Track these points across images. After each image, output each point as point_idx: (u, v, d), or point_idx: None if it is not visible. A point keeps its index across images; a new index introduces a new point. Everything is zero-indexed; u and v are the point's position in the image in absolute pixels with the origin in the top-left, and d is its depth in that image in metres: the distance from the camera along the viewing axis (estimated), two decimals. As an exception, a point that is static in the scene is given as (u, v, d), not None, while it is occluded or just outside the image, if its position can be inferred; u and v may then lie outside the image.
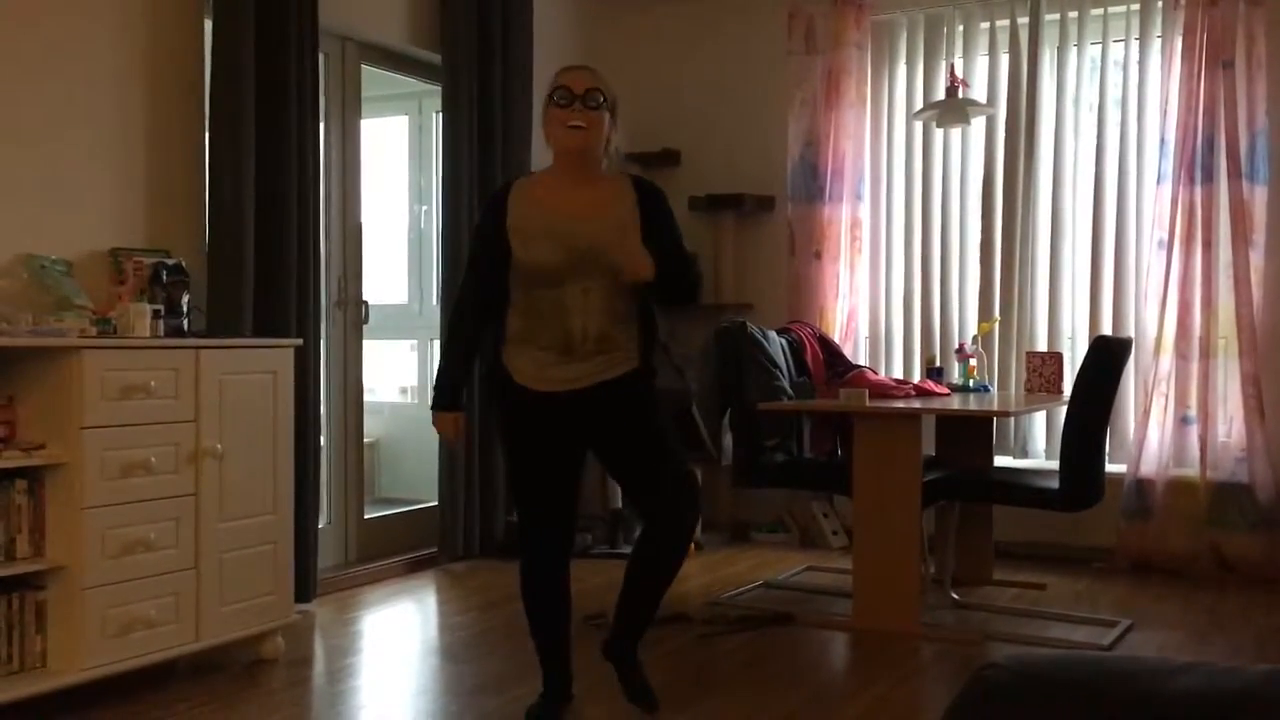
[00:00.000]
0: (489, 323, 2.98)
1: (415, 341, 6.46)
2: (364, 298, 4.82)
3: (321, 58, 4.43)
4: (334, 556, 4.68)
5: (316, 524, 4.30)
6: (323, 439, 4.50)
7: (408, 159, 6.17)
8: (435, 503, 5.03)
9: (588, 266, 2.86)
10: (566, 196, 2.92)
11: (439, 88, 4.98)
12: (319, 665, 3.65)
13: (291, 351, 3.68)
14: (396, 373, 6.77)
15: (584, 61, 5.98)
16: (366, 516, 4.90)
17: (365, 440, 4.95)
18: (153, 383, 3.20)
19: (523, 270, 2.87)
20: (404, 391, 6.79)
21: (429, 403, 3.11)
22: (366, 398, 4.95)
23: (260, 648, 3.58)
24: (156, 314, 3.39)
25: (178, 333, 3.48)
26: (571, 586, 3.10)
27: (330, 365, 4.66)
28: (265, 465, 3.56)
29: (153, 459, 3.20)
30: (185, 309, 3.55)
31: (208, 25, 3.93)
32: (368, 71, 4.92)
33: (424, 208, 6.03)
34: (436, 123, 5.27)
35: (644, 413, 3.01)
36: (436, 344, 5.10)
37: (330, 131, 4.65)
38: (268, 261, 4.03)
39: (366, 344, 4.88)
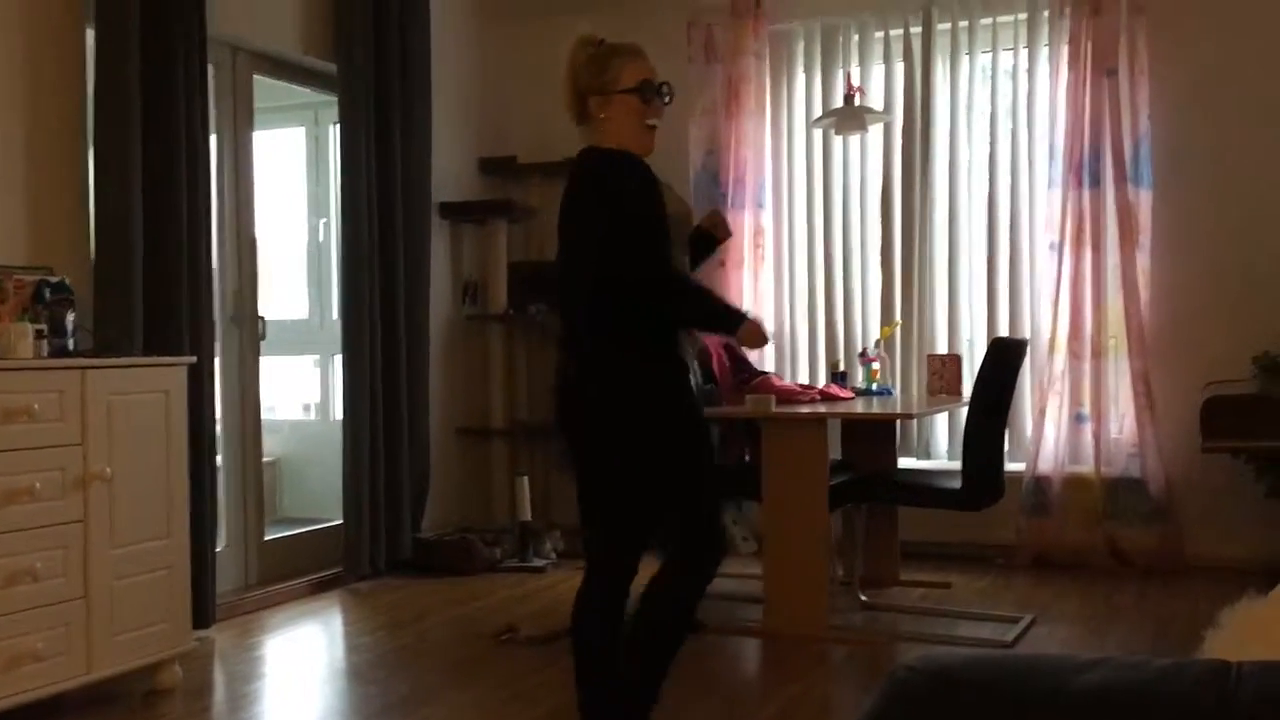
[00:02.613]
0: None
1: (317, 357, 6.33)
2: (261, 313, 4.70)
3: (211, 68, 4.31)
4: (233, 580, 4.55)
5: (214, 547, 4.17)
6: (220, 459, 4.37)
7: (305, 171, 6.05)
8: (339, 521, 4.92)
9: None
10: None
11: (335, 98, 4.89)
12: (219, 693, 3.54)
13: (184, 370, 3.56)
14: (298, 389, 6.62)
15: (482, 69, 5.97)
16: (267, 537, 4.77)
17: (265, 459, 4.83)
18: (36, 405, 3.07)
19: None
20: (306, 408, 6.65)
21: (726, 326, 2.78)
22: (266, 415, 4.83)
23: (157, 677, 3.46)
24: (39, 334, 3.25)
25: (62, 353, 3.34)
26: None
27: (226, 383, 4.53)
28: (158, 488, 3.44)
29: (37, 485, 3.07)
30: (70, 328, 3.41)
31: (90, 34, 3.80)
32: (261, 82, 4.80)
33: (322, 220, 5.92)
34: (333, 134, 5.18)
35: None
36: (339, 359, 5.00)
37: (222, 143, 4.53)
38: (157, 278, 3.90)
39: (265, 360, 4.76)
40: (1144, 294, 4.92)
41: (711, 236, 3.39)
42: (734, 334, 2.78)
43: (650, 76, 2.75)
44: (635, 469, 2.71)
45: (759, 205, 5.54)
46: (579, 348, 2.72)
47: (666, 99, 2.78)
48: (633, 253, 2.63)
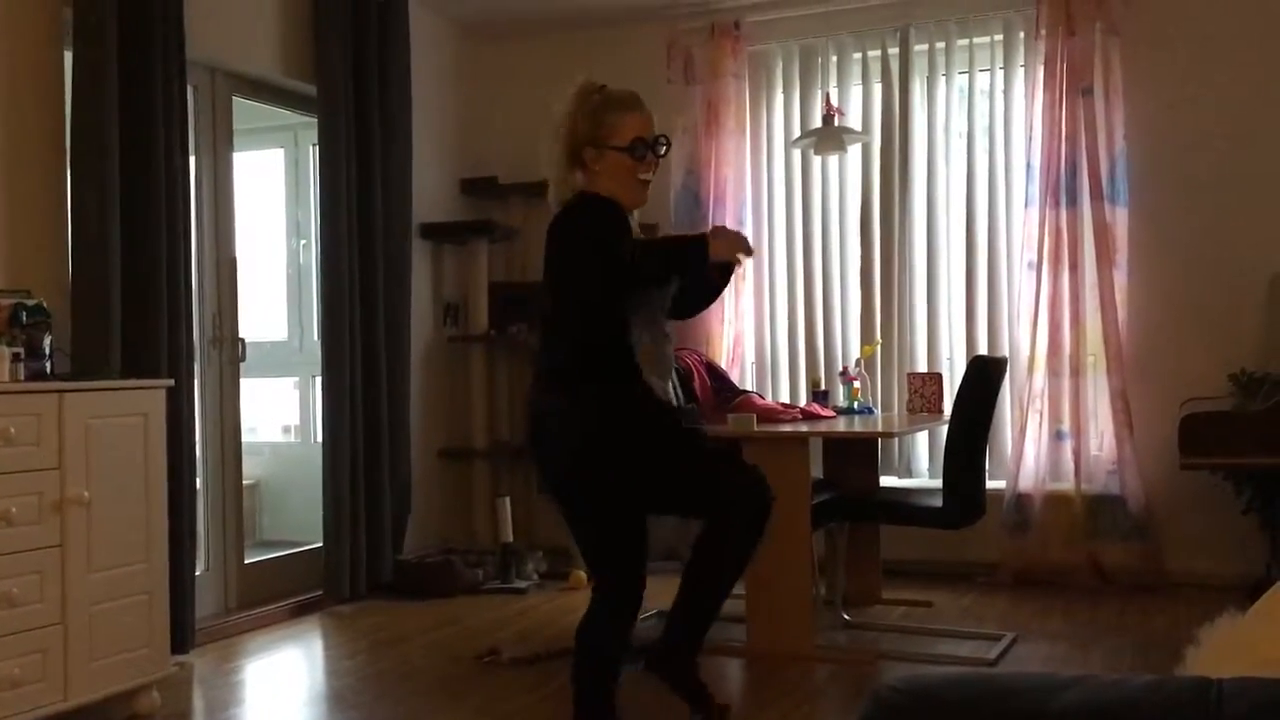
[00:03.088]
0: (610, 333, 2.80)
1: (297, 379, 6.31)
2: (240, 335, 4.68)
3: (190, 89, 4.30)
4: (213, 604, 4.51)
5: (193, 571, 4.14)
6: (199, 482, 4.34)
7: (284, 192, 6.04)
8: (320, 544, 4.89)
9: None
10: None
11: (315, 119, 4.89)
12: (198, 719, 3.50)
13: (163, 392, 3.54)
14: (278, 411, 6.59)
15: (463, 90, 5.98)
16: (247, 561, 4.74)
17: (245, 482, 4.80)
18: (13, 429, 3.04)
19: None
20: (287, 430, 6.61)
21: (691, 259, 2.76)
22: (246, 438, 4.80)
23: (135, 704, 3.42)
24: (16, 357, 3.23)
25: (40, 376, 3.32)
26: None
27: (206, 405, 4.50)
28: (137, 512, 3.41)
29: (13, 509, 3.04)
30: (48, 351, 3.39)
31: (68, 56, 3.79)
32: (241, 103, 4.80)
33: (302, 242, 5.91)
34: (313, 155, 5.18)
35: None
36: (319, 380, 4.98)
37: (201, 165, 4.52)
38: (136, 300, 3.88)
39: (245, 382, 4.74)
40: (1121, 312, 4.95)
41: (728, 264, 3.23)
42: (706, 258, 2.72)
43: (644, 134, 2.83)
44: (618, 486, 2.80)
45: (739, 225, 5.55)
46: (553, 378, 2.83)
47: (662, 152, 2.85)
48: (590, 270, 2.75)
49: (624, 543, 2.82)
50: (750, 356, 5.63)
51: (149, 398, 3.48)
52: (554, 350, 2.85)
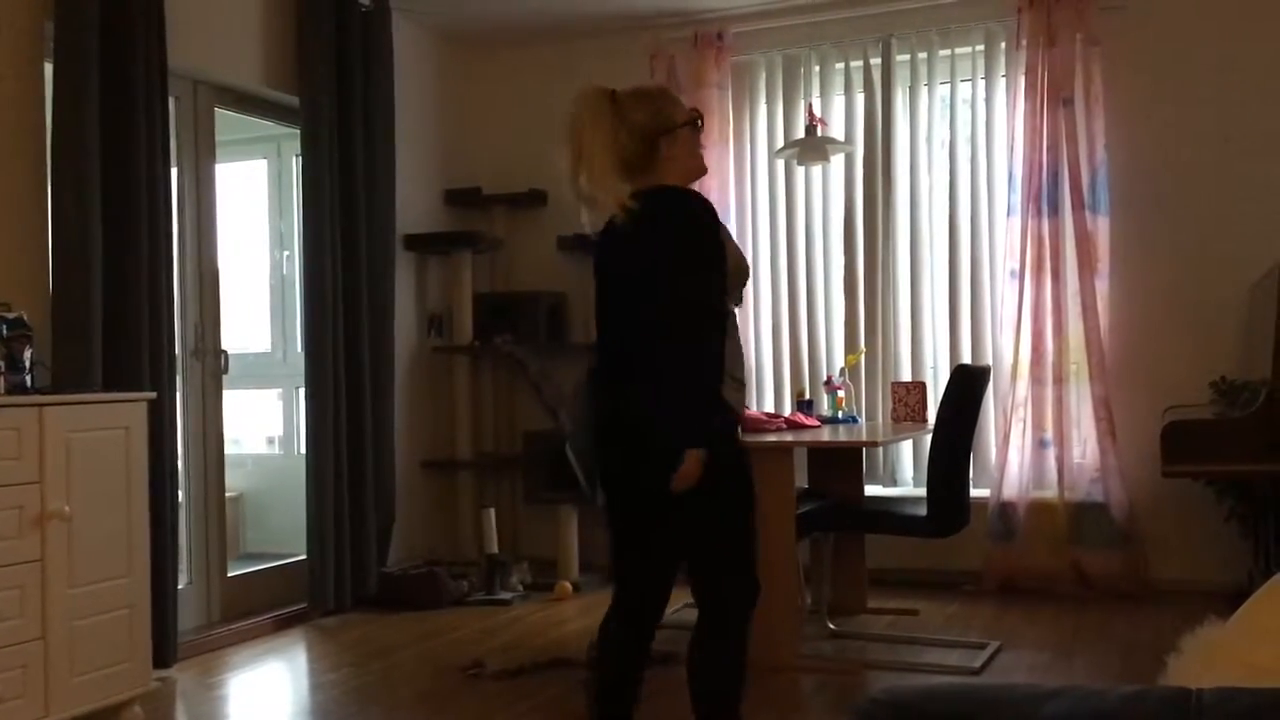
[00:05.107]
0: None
1: (280, 390, 6.28)
2: (223, 346, 4.66)
3: (172, 100, 4.29)
4: (196, 618, 4.49)
5: (176, 584, 4.11)
6: (181, 495, 4.32)
7: (267, 203, 6.03)
8: (303, 556, 4.87)
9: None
10: None
11: (298, 130, 4.88)
12: (181, 734, 3.48)
13: (144, 405, 3.52)
14: (261, 423, 6.56)
15: (446, 101, 5.98)
16: (231, 574, 4.71)
17: (228, 494, 4.78)
18: (-8, 443, 3.02)
19: (736, 289, 2.78)
20: (270, 442, 6.59)
21: (688, 434, 2.55)
22: (229, 450, 4.78)
23: (117, 719, 3.39)
24: (-4, 370, 3.20)
25: (20, 390, 3.29)
26: None
27: (188, 417, 4.48)
28: (119, 525, 3.39)
29: (-6, 524, 3.02)
30: (28, 364, 3.36)
31: (48, 67, 3.77)
32: (223, 114, 4.79)
33: (285, 253, 5.89)
34: (296, 166, 5.16)
35: None
36: (302, 392, 4.96)
37: (184, 176, 4.50)
38: (117, 312, 3.86)
39: (228, 394, 4.72)
40: (1103, 320, 4.98)
41: None
42: (681, 449, 2.54)
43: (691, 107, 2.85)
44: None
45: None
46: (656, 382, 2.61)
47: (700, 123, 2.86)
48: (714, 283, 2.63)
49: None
50: (735, 366, 5.62)
51: (130, 411, 3.46)
52: (656, 354, 2.61)
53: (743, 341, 5.60)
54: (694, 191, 2.77)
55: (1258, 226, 4.80)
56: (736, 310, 2.85)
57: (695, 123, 2.78)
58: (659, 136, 2.72)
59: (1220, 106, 4.92)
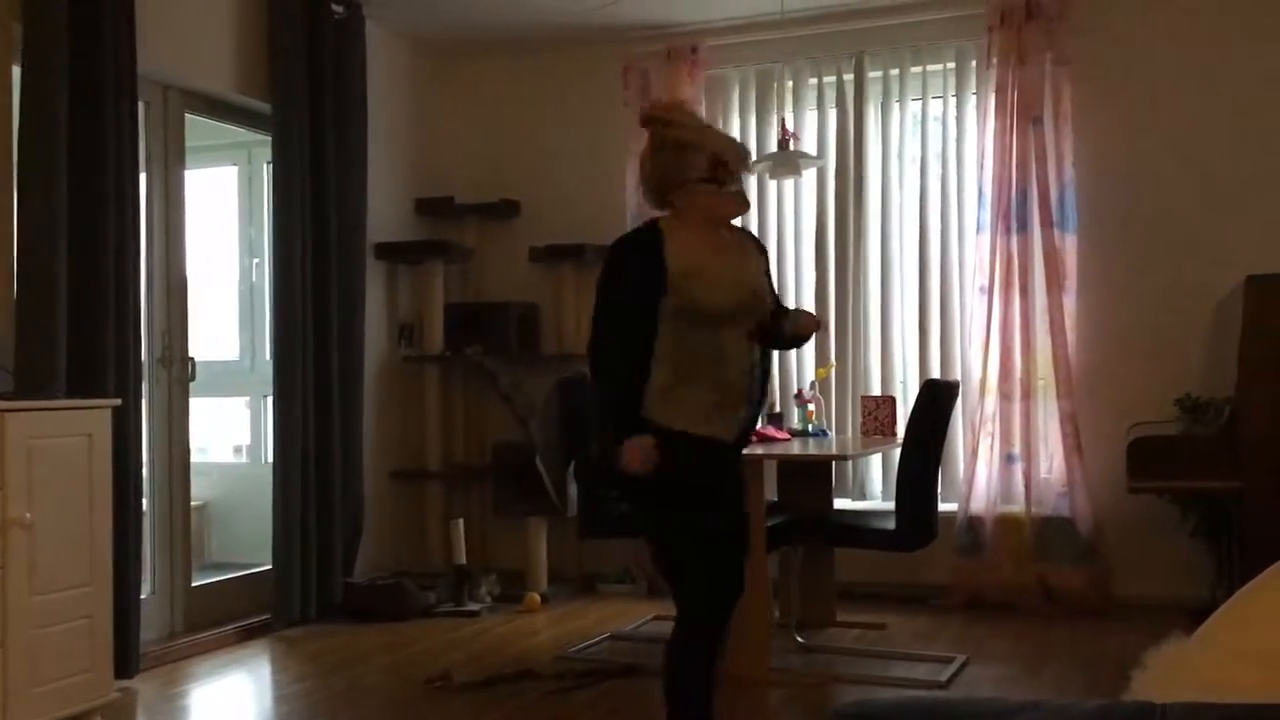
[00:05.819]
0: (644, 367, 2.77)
1: (248, 398, 6.23)
2: (190, 354, 4.62)
3: (141, 105, 4.25)
4: (159, 628, 4.43)
5: (139, 594, 4.06)
6: (146, 503, 4.27)
7: (237, 210, 5.99)
8: (269, 566, 4.82)
9: (747, 311, 2.84)
10: (714, 239, 2.87)
11: (269, 137, 4.85)
12: (142, 746, 3.43)
13: (109, 412, 3.48)
14: (228, 431, 6.51)
15: (419, 110, 5.96)
16: (195, 583, 4.66)
17: (194, 503, 4.73)
18: (-47, 449, 2.98)
19: (689, 312, 2.75)
20: (237, 450, 6.53)
21: (615, 435, 2.74)
22: (195, 458, 4.73)
23: (76, 730, 3.35)
24: (-43, 375, 3.16)
25: (-18, 395, 3.25)
26: None
27: (154, 425, 4.43)
28: (81, 534, 3.34)
29: (-47, 532, 2.97)
30: (-10, 369, 3.33)
31: (16, 70, 3.73)
32: (194, 120, 4.75)
33: (255, 260, 5.85)
34: (267, 173, 5.13)
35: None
36: (270, 400, 4.92)
37: (153, 182, 4.46)
38: (82, 318, 3.82)
39: (195, 402, 4.67)
40: (1071, 336, 5.02)
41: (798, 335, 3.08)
42: (619, 441, 2.73)
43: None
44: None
45: (695, 247, 5.57)
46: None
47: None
48: None
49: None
50: (705, 379, 5.62)
51: (94, 418, 3.42)
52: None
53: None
54: (641, 227, 2.91)
55: (1223, 246, 4.86)
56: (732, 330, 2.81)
57: (716, 170, 2.83)
58: (669, 192, 2.88)
59: (1187, 127, 4.97)
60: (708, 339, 2.76)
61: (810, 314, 2.96)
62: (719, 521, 2.81)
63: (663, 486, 2.75)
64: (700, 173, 2.83)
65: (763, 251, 3.05)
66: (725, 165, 2.86)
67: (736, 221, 3.02)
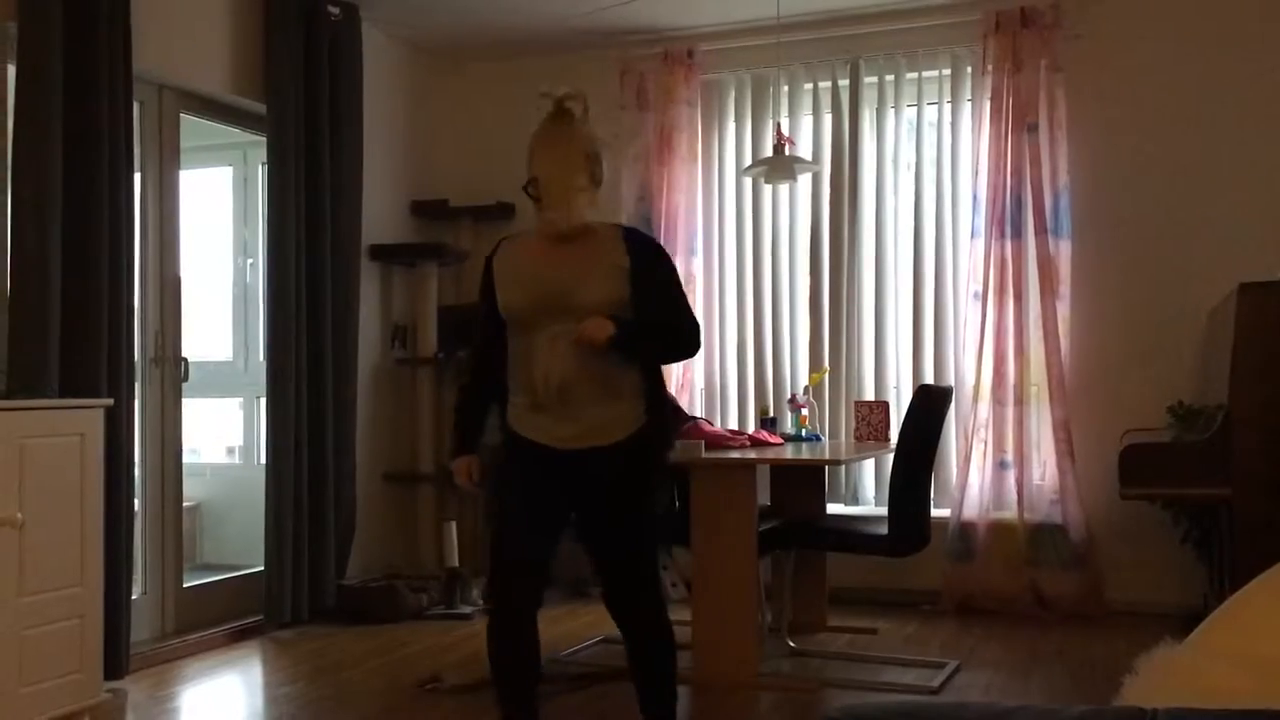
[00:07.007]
0: (497, 375, 2.98)
1: (241, 399, 6.22)
2: (184, 354, 4.61)
3: (136, 105, 4.25)
4: (150, 629, 4.42)
5: (129, 595, 4.05)
6: (137, 504, 4.26)
7: (232, 211, 5.97)
8: (261, 567, 4.81)
9: (553, 312, 2.82)
10: (544, 248, 2.92)
11: (264, 138, 4.84)
12: (131, 747, 3.42)
13: (101, 412, 3.48)
14: (221, 432, 6.49)
15: (414, 113, 5.96)
16: (186, 585, 4.65)
17: (185, 504, 4.71)
18: (-56, 448, 2.97)
19: (507, 319, 2.91)
20: (230, 451, 6.51)
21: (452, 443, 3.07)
22: (188, 459, 4.72)
23: (66, 731, 3.34)
24: (-51, 374, 3.15)
25: (-27, 394, 3.24)
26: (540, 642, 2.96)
27: (146, 425, 4.42)
28: (72, 534, 3.33)
29: (-57, 531, 2.96)
30: (-18, 368, 3.32)
31: (10, 70, 3.73)
32: (189, 121, 4.74)
33: (249, 261, 5.84)
34: (262, 174, 5.12)
35: (629, 494, 2.93)
36: (263, 401, 4.92)
37: (147, 182, 4.46)
38: (76, 318, 3.81)
39: (187, 403, 4.66)
40: (1064, 343, 5.03)
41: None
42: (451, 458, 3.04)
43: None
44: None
45: (690, 252, 5.58)
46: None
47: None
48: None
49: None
50: (699, 383, 5.64)
51: (86, 417, 3.41)
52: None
53: (706, 358, 5.64)
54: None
55: (1216, 253, 4.87)
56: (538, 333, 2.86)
57: (526, 189, 2.90)
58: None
59: (1181, 134, 4.99)
60: (523, 343, 2.87)
61: (594, 321, 2.76)
62: (510, 511, 2.90)
63: (497, 471, 2.95)
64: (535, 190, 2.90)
65: (642, 257, 2.89)
66: (535, 182, 2.89)
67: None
